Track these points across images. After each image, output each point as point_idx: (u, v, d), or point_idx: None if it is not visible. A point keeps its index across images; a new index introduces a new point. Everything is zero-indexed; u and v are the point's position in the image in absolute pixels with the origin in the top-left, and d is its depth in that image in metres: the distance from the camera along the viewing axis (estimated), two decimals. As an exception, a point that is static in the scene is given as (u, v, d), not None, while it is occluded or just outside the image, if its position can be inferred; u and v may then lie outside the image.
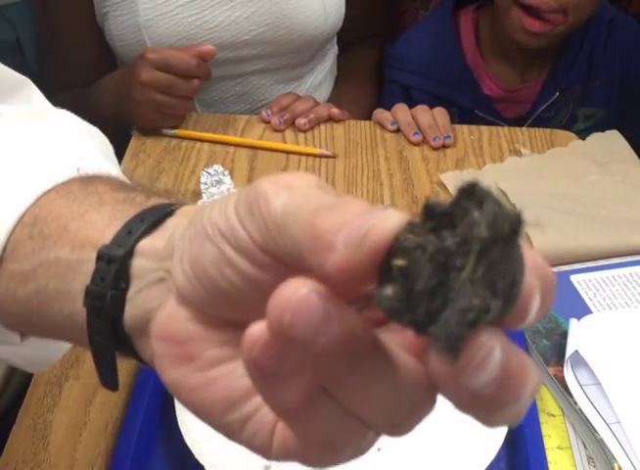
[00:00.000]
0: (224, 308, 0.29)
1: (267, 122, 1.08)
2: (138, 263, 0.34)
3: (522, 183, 0.96)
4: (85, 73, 1.13)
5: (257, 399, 0.27)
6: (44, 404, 0.67)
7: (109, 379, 0.37)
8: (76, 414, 0.66)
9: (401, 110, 1.08)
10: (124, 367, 0.70)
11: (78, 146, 0.45)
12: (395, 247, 0.22)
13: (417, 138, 1.04)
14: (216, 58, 1.07)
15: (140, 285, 0.33)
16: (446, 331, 0.21)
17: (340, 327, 0.23)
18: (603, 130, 1.07)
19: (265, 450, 0.27)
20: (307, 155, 1.03)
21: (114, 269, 0.34)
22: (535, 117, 1.21)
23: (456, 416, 0.64)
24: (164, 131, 1.04)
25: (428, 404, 0.26)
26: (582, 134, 1.08)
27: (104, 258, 0.35)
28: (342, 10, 1.19)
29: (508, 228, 0.20)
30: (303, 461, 0.27)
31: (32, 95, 0.52)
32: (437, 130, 1.04)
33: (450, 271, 0.21)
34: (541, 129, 1.08)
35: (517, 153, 1.03)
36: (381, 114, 1.09)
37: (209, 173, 0.91)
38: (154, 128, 1.04)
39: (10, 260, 0.39)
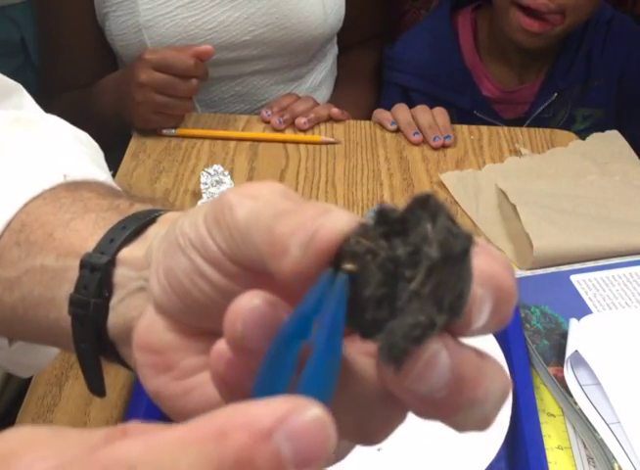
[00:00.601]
0: (199, 318, 0.30)
1: (267, 122, 1.08)
2: (120, 272, 0.34)
3: (522, 183, 0.96)
4: (86, 73, 1.13)
5: None
6: (44, 404, 0.67)
7: (96, 386, 0.38)
8: (76, 414, 0.66)
9: (401, 110, 1.08)
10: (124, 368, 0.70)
11: (66, 152, 0.46)
12: (346, 249, 0.22)
13: (417, 138, 1.04)
14: (216, 58, 1.07)
15: (122, 294, 0.34)
16: (390, 342, 0.21)
17: None
18: (601, 131, 1.07)
19: None
20: (310, 143, 1.04)
21: (97, 278, 0.35)
22: (534, 117, 1.21)
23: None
24: (164, 131, 1.04)
25: (398, 416, 0.26)
26: (581, 135, 1.08)
27: (87, 266, 0.35)
28: (342, 10, 1.19)
29: (459, 249, 0.21)
30: None
31: (23, 101, 0.52)
32: (437, 130, 1.04)
33: (399, 281, 0.21)
34: (541, 129, 1.09)
35: (517, 153, 1.03)
36: (381, 114, 1.09)
37: (209, 173, 0.91)
38: (154, 129, 1.04)
39: None
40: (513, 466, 0.62)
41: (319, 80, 1.26)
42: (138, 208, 0.38)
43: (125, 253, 0.35)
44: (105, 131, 0.91)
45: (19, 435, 0.19)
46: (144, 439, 0.18)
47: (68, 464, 0.18)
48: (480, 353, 0.24)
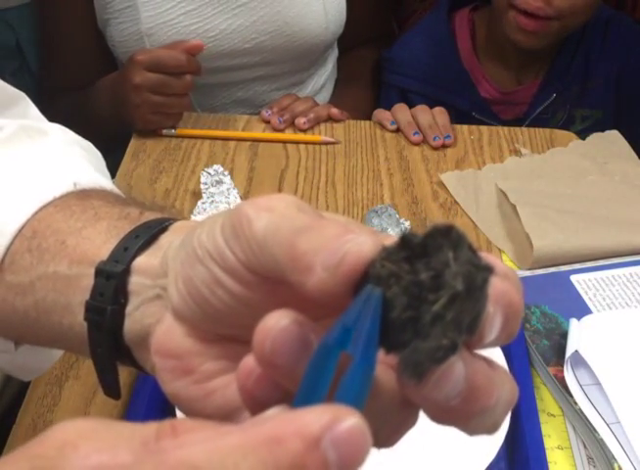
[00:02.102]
0: (218, 325, 0.32)
1: (267, 122, 1.08)
2: (135, 280, 0.36)
3: (522, 183, 0.96)
4: (86, 76, 1.13)
5: None
6: (44, 404, 0.67)
7: (111, 388, 0.39)
8: (76, 414, 0.66)
9: (401, 109, 1.08)
10: (124, 368, 0.70)
11: (74, 160, 0.47)
12: (371, 272, 0.24)
13: (417, 138, 1.04)
14: (218, 65, 1.08)
15: (137, 301, 0.35)
16: (415, 361, 0.23)
17: None
18: (600, 131, 1.07)
19: None
20: (310, 143, 1.04)
21: (112, 285, 0.36)
22: (532, 118, 1.20)
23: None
24: (164, 132, 1.04)
25: (410, 421, 0.28)
26: (580, 135, 1.08)
27: (102, 274, 0.36)
28: (343, 17, 1.19)
29: (480, 281, 0.23)
30: None
31: (28, 110, 0.53)
32: (437, 130, 1.04)
33: (422, 303, 0.23)
34: (541, 129, 1.08)
35: (517, 153, 1.03)
36: (381, 113, 1.09)
37: (209, 173, 0.91)
38: (154, 130, 1.04)
39: (8, 272, 0.41)
40: (513, 466, 0.62)
41: (320, 84, 1.26)
42: (148, 216, 0.39)
43: (140, 261, 0.36)
44: (103, 132, 0.91)
45: (75, 426, 0.21)
46: (204, 443, 0.20)
47: (135, 464, 0.20)
48: (490, 363, 0.26)
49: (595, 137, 1.05)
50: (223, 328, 0.32)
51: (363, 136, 1.07)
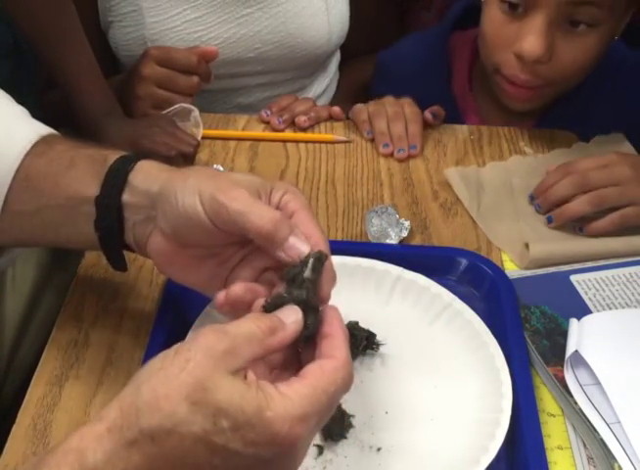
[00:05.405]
0: (191, 246, 0.56)
1: (267, 123, 1.08)
2: (127, 211, 0.57)
3: (526, 181, 0.96)
4: None
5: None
6: (44, 404, 0.67)
7: (119, 265, 0.62)
8: (76, 414, 0.66)
9: (379, 118, 1.03)
10: (124, 368, 0.70)
11: (26, 113, 0.61)
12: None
13: (386, 150, 1.01)
14: (221, 73, 1.08)
15: (131, 222, 0.57)
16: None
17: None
18: None
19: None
20: (323, 142, 1.04)
21: (112, 215, 0.56)
22: None
23: (456, 417, 0.65)
24: (164, 131, 1.04)
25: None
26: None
27: (101, 206, 0.56)
28: (346, 28, 1.20)
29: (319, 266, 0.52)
30: None
31: None
32: (405, 141, 1.00)
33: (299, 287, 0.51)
34: (541, 130, 1.08)
35: (521, 153, 1.03)
36: (359, 115, 1.05)
37: (209, 173, 0.91)
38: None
39: (13, 204, 0.56)
40: (513, 466, 0.62)
41: (321, 90, 1.27)
42: (112, 156, 0.58)
43: (125, 199, 0.56)
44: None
45: None
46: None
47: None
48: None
49: (599, 139, 1.04)
50: (194, 249, 0.56)
51: (363, 136, 1.06)
